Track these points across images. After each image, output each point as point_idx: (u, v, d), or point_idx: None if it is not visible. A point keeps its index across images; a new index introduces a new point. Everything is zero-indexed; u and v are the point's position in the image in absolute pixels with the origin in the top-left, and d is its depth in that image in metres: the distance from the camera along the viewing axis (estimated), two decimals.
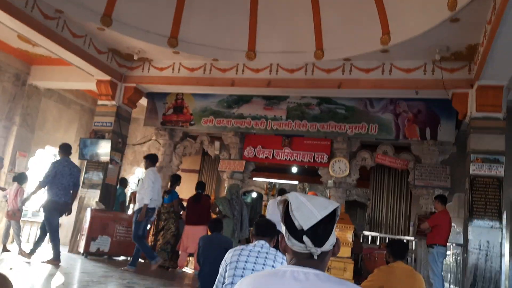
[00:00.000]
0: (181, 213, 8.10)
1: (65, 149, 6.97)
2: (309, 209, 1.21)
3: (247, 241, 7.15)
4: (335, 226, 1.26)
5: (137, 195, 7.07)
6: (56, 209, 6.66)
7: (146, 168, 7.14)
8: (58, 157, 7.11)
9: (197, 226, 7.49)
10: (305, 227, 1.20)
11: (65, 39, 7.55)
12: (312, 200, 1.24)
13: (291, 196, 1.26)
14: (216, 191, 12.18)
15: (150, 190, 6.82)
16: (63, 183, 6.71)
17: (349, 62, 7.82)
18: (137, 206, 6.99)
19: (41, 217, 7.82)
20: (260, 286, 1.19)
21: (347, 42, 7.47)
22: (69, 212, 6.93)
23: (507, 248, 8.19)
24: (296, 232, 1.22)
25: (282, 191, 9.05)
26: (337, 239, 1.28)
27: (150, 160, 7.15)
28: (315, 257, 1.22)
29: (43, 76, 9.65)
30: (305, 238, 1.21)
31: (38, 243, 6.86)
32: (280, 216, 1.30)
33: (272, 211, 7.37)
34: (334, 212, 1.25)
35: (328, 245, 1.23)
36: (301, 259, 1.23)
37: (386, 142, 8.67)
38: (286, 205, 1.27)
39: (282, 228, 1.28)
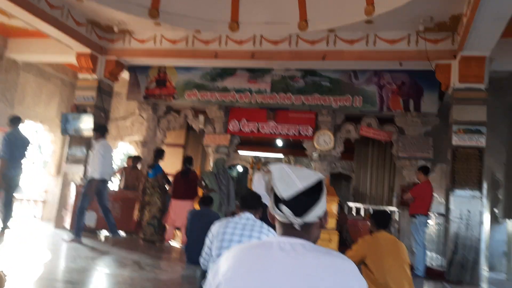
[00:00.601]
0: (166, 187, 8.07)
1: (15, 120, 6.89)
2: (291, 179, 1.21)
3: (233, 215, 7.20)
4: (322, 198, 1.24)
5: (88, 167, 6.96)
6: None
7: (96, 139, 7.02)
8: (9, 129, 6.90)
9: (184, 201, 7.50)
10: (286, 197, 1.20)
11: (42, 10, 7.28)
12: (297, 171, 1.23)
13: (274, 167, 1.25)
14: (201, 165, 12.17)
15: (101, 164, 6.64)
16: (15, 155, 6.62)
17: (333, 33, 7.75)
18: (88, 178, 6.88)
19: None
20: (247, 257, 1.19)
21: (331, 12, 7.38)
22: (17, 185, 6.84)
23: (487, 216, 8.41)
24: (278, 202, 1.22)
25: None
26: (325, 212, 1.27)
27: (100, 131, 7.02)
28: (297, 228, 1.22)
29: (21, 49, 9.35)
30: (284, 207, 1.20)
31: (6, 218, 6.68)
32: (265, 187, 1.29)
33: (258, 185, 7.41)
34: (320, 185, 1.24)
35: (312, 217, 1.22)
36: (287, 230, 1.24)
37: (370, 114, 8.71)
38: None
39: (269, 199, 1.28)
